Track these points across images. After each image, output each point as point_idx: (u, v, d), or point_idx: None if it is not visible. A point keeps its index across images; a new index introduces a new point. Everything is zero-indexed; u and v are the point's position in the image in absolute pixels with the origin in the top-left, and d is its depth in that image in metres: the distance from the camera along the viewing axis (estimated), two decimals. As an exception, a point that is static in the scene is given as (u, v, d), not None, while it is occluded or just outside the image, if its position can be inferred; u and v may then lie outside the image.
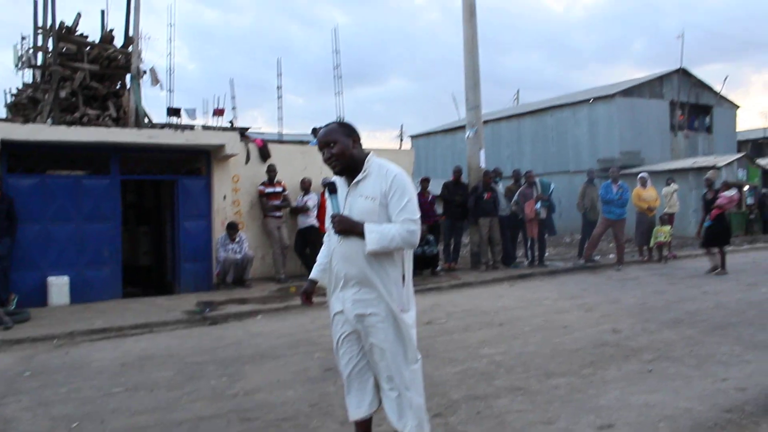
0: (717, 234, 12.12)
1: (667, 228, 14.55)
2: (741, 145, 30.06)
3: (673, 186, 16.31)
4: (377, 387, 3.48)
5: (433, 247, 12.60)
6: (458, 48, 13.73)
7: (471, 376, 5.37)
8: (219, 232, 11.58)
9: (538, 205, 13.39)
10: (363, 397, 3.50)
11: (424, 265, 12.66)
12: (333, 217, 3.36)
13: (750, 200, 23.06)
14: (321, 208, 12.39)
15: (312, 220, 12.24)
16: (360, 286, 3.35)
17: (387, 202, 3.30)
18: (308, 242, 12.33)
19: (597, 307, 8.75)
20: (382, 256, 3.29)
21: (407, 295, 3.42)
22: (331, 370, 5.73)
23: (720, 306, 8.48)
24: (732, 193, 12.31)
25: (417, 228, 3.29)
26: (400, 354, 3.35)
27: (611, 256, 15.01)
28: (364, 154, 3.43)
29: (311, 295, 3.81)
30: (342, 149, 3.36)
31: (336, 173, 3.47)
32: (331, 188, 3.46)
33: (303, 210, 12.22)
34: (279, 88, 26.94)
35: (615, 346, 6.30)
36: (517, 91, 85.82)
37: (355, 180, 3.38)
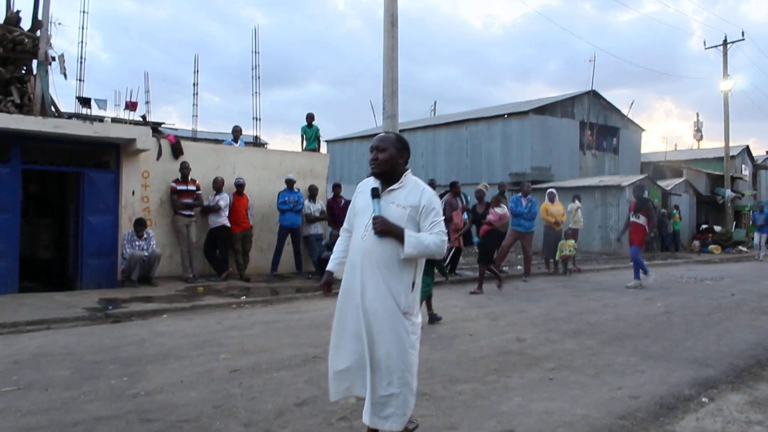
0: (485, 250, 11.78)
1: (572, 242, 15.08)
2: (644, 166, 31.51)
3: (577, 203, 16.91)
4: (352, 377, 3.69)
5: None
6: (378, 57, 13.82)
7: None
8: (126, 227, 11.23)
9: (465, 215, 13.62)
10: (347, 381, 3.72)
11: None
12: (375, 218, 3.59)
13: (649, 219, 24.19)
14: (233, 208, 12.23)
15: (223, 219, 12.06)
16: (375, 283, 3.58)
17: (418, 216, 3.63)
18: (218, 242, 12.13)
19: (503, 316, 8.97)
20: (400, 261, 3.58)
21: (414, 301, 3.66)
22: (236, 371, 5.65)
23: (619, 318, 8.85)
24: (503, 211, 12.07)
25: (446, 241, 3.64)
26: (397, 346, 3.54)
27: (519, 267, 15.43)
28: (404, 170, 3.78)
29: (331, 285, 4.02)
30: (389, 157, 3.72)
31: (374, 175, 3.79)
32: (375, 192, 3.69)
33: (214, 209, 12.02)
34: (195, 85, 26.22)
35: (519, 355, 6.48)
36: (434, 103, 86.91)
37: (390, 188, 3.71)
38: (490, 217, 11.62)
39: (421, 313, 4.07)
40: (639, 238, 12.82)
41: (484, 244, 11.82)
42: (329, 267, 4.01)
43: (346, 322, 3.71)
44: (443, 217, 3.72)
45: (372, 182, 3.79)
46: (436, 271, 8.52)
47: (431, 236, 3.57)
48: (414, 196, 3.66)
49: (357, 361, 3.63)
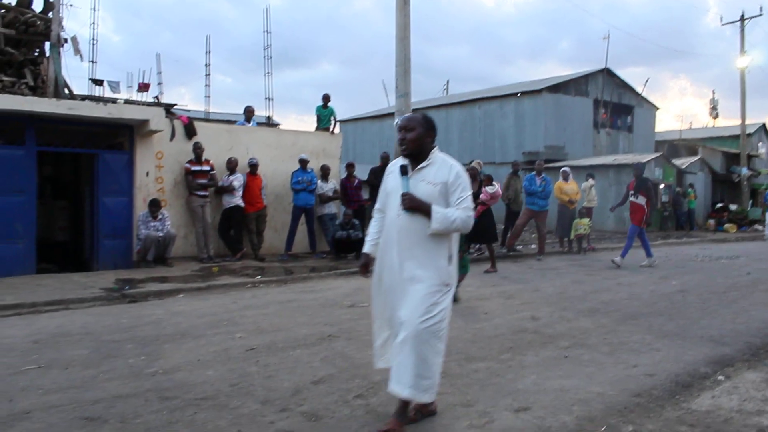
0: (480, 231, 10.73)
1: (587, 221, 15.03)
2: (658, 145, 31.26)
3: (591, 181, 16.83)
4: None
5: (359, 231, 12.64)
6: (389, 36, 13.75)
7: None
8: (141, 208, 11.30)
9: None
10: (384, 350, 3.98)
11: (349, 248, 12.69)
12: (404, 194, 3.73)
13: (665, 198, 24.07)
14: (246, 188, 12.26)
15: (237, 200, 12.10)
16: (413, 257, 3.73)
17: (447, 191, 3.75)
18: (232, 222, 12.19)
19: (517, 295, 8.97)
20: (434, 236, 3.71)
21: (451, 273, 3.81)
22: (253, 350, 5.69)
23: (633, 297, 8.83)
24: (494, 189, 11.72)
25: (473, 216, 3.77)
26: (431, 316, 3.65)
27: (533, 246, 15.41)
28: (431, 148, 3.88)
29: (369, 266, 4.10)
30: (417, 136, 3.82)
31: (404, 155, 3.88)
32: (403, 170, 3.81)
33: (228, 190, 12.05)
34: (207, 65, 26.28)
35: (533, 333, 6.48)
36: (447, 82, 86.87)
37: (419, 166, 3.82)
38: (482, 196, 11.15)
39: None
40: (638, 218, 12.61)
41: (481, 224, 10.88)
42: (366, 249, 4.11)
43: (386, 296, 3.87)
44: (470, 193, 3.81)
45: (401, 162, 3.89)
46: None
47: (458, 212, 3.69)
48: (443, 172, 3.78)
49: (394, 333, 3.81)
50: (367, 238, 4.13)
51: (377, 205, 4.11)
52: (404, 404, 3.79)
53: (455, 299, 8.37)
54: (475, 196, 10.76)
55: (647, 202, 12.51)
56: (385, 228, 3.93)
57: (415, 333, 3.61)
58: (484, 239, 11.54)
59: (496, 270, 11.42)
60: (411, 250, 3.73)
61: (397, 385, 3.67)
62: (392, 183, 3.90)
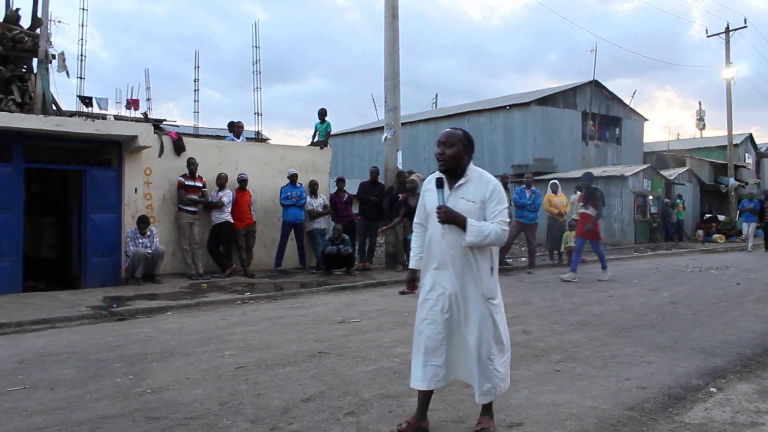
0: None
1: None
2: (646, 156, 31.44)
3: (578, 193, 16.83)
4: (448, 365, 3.93)
5: (348, 246, 12.60)
6: (378, 50, 13.80)
7: (383, 375, 5.37)
8: (129, 225, 11.23)
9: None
10: (436, 371, 3.91)
11: (339, 264, 12.65)
12: (440, 207, 3.79)
13: (653, 209, 24.15)
14: (235, 203, 12.21)
15: (226, 215, 12.05)
16: (456, 271, 3.84)
17: (485, 206, 3.83)
18: (221, 238, 12.12)
19: (508, 308, 8.82)
20: (476, 249, 3.81)
21: (494, 286, 3.91)
22: (242, 367, 5.64)
23: (625, 309, 8.82)
24: None
25: (507, 230, 3.82)
26: (487, 328, 3.83)
27: (523, 259, 15.40)
28: (468, 164, 3.93)
29: (416, 282, 4.24)
30: (456, 153, 3.88)
31: (441, 170, 3.94)
32: (439, 183, 3.88)
33: (217, 206, 12.00)
34: (196, 81, 26.32)
35: (525, 347, 6.45)
36: (436, 95, 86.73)
37: (457, 184, 3.89)
38: None
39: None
40: (595, 230, 12.25)
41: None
42: (412, 265, 4.22)
43: (437, 313, 3.91)
44: (506, 206, 3.86)
45: (437, 175, 3.96)
46: None
47: (492, 225, 3.75)
48: (481, 188, 3.86)
49: (453, 349, 3.91)
50: (412, 254, 4.22)
51: (417, 219, 4.19)
52: (488, 404, 3.97)
53: None
54: (413, 209, 10.42)
55: (597, 213, 12.16)
56: (430, 245, 3.98)
57: (481, 351, 3.82)
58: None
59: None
60: (455, 266, 3.83)
61: (480, 393, 3.85)
62: (430, 200, 3.96)
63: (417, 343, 3.99)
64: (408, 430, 3.91)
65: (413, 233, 4.24)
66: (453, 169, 3.89)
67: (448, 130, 4.02)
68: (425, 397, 4.01)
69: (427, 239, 4.01)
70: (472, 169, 3.92)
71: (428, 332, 3.92)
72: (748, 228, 20.84)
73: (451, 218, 3.76)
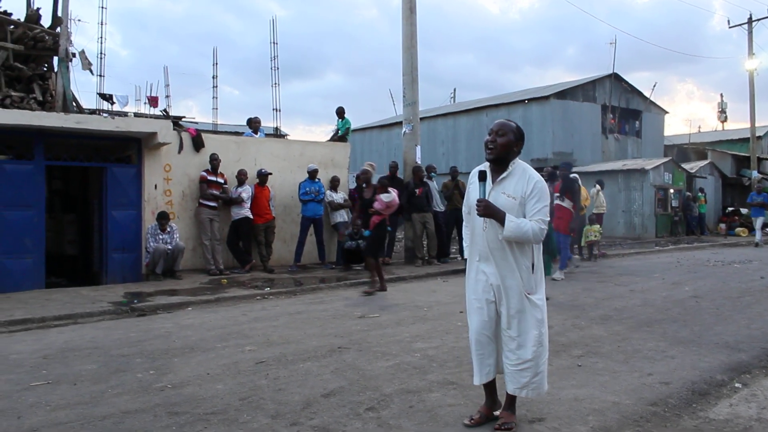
0: (369, 243, 10.17)
1: (597, 227, 14.93)
2: (667, 149, 31.11)
3: (597, 187, 16.68)
4: (499, 354, 4.00)
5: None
6: (395, 45, 13.84)
7: (404, 371, 5.36)
8: (149, 221, 11.29)
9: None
10: (488, 361, 4.00)
11: (358, 259, 12.64)
12: (479, 201, 3.83)
13: (675, 203, 23.90)
14: (255, 199, 12.25)
15: (246, 211, 12.09)
16: (499, 265, 3.87)
17: (525, 202, 3.81)
18: (241, 234, 12.16)
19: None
20: (517, 246, 3.83)
21: (535, 282, 3.93)
22: (262, 363, 5.64)
23: (646, 303, 8.74)
24: (390, 197, 9.96)
25: (546, 228, 3.81)
26: (526, 322, 3.85)
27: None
28: (515, 157, 3.94)
29: None
30: (508, 142, 3.88)
31: (488, 159, 3.95)
32: (481, 175, 3.90)
33: (237, 201, 12.04)
34: (214, 77, 26.43)
35: (545, 342, 6.40)
36: (454, 90, 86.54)
37: (500, 177, 3.89)
38: (375, 204, 9.93)
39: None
40: (564, 224, 11.35)
41: (373, 237, 10.10)
42: (466, 255, 4.24)
43: (483, 307, 3.95)
44: (546, 204, 3.83)
45: (481, 168, 3.99)
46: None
47: (530, 223, 3.75)
48: (522, 184, 3.84)
49: (495, 340, 3.98)
50: (465, 244, 4.26)
51: (464, 210, 4.22)
52: (512, 399, 4.02)
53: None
54: (369, 203, 10.18)
55: (573, 205, 11.53)
56: (474, 239, 4.03)
57: (521, 346, 3.86)
58: (368, 251, 10.22)
59: (382, 290, 10.00)
60: (496, 260, 3.87)
61: (513, 387, 3.91)
62: (474, 193, 3.98)
63: (470, 338, 4.08)
64: (481, 421, 4.00)
65: (464, 224, 4.26)
66: (501, 158, 3.89)
67: (501, 120, 4.04)
68: (488, 387, 4.10)
69: (471, 232, 4.07)
70: (518, 164, 3.92)
71: (475, 324, 3.99)
72: (757, 222, 19.95)
73: (490, 213, 3.79)
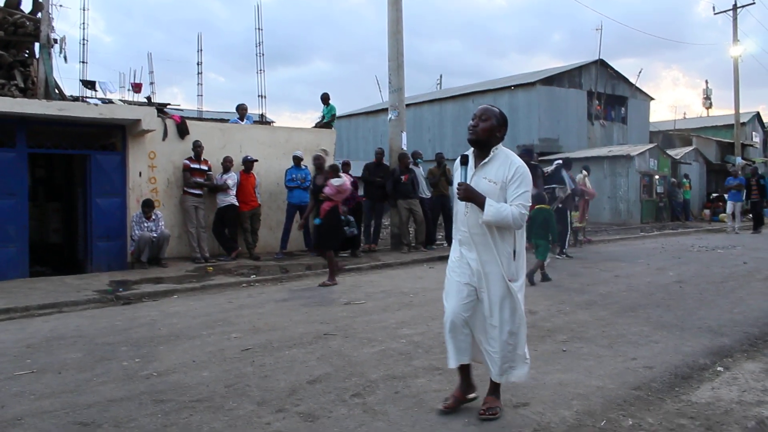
0: (321, 233, 9.57)
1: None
2: (653, 135, 31.25)
3: (584, 173, 16.70)
4: (471, 343, 4.01)
5: (354, 228, 12.59)
6: (382, 31, 13.85)
7: (389, 357, 5.38)
8: (134, 209, 11.23)
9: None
10: (463, 344, 3.99)
11: (344, 246, 12.64)
12: (460, 184, 3.83)
13: (660, 189, 24.04)
14: (240, 186, 12.20)
15: (231, 198, 12.04)
16: (480, 251, 3.86)
17: (506, 187, 3.79)
18: (226, 221, 12.12)
19: (513, 289, 8.90)
20: (499, 231, 3.82)
21: (516, 268, 3.93)
22: (248, 350, 5.64)
23: (631, 289, 8.80)
24: (341, 181, 9.50)
25: (527, 214, 3.81)
26: (507, 309, 3.86)
27: (528, 239, 15.35)
28: (497, 143, 3.91)
29: None
30: (489, 127, 3.86)
31: (470, 141, 3.92)
32: (463, 159, 3.91)
33: (222, 188, 11.98)
34: (199, 64, 26.15)
35: (531, 327, 6.39)
36: (440, 76, 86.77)
37: (482, 162, 3.87)
38: (326, 189, 9.41)
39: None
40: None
41: (324, 225, 9.48)
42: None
43: (462, 289, 3.93)
44: (527, 190, 3.81)
45: (464, 153, 3.99)
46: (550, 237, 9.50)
47: (511, 207, 3.72)
48: (504, 169, 3.82)
49: (471, 325, 3.96)
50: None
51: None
52: (495, 385, 4.03)
53: (532, 282, 9.02)
54: (319, 189, 9.71)
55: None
56: (456, 224, 4.04)
57: (501, 331, 3.88)
58: (321, 243, 9.67)
59: (336, 283, 9.52)
60: (477, 245, 3.86)
61: (496, 374, 3.93)
62: (456, 178, 3.98)
63: (445, 320, 4.04)
64: (454, 405, 4.01)
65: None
66: (482, 142, 3.87)
67: (485, 105, 4.05)
68: (462, 370, 4.10)
69: (455, 215, 4.08)
70: (500, 149, 3.90)
71: (453, 305, 3.97)
72: (733, 207, 19.34)
73: (470, 196, 3.78)
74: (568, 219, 12.72)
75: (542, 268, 9.45)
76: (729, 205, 19.71)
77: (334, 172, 9.76)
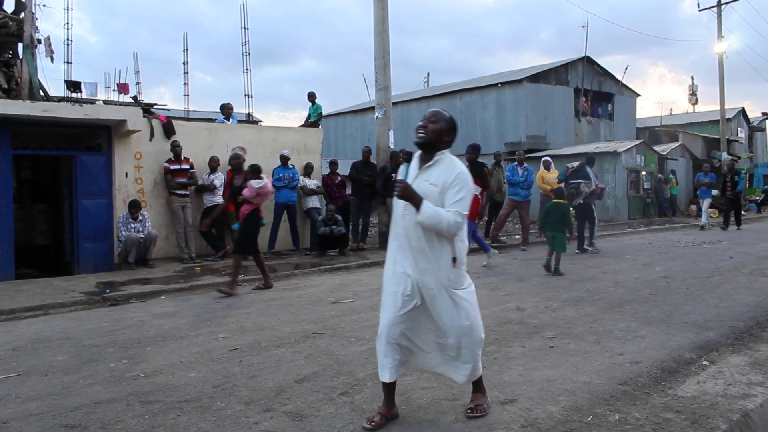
0: (240, 237, 8.98)
1: (570, 210, 14.99)
2: (639, 132, 31.39)
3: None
4: (408, 355, 3.88)
5: (341, 226, 12.58)
6: (369, 30, 13.67)
7: (377, 355, 5.37)
8: (121, 210, 11.17)
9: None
10: (399, 357, 3.83)
11: (332, 245, 12.64)
12: (398, 181, 3.71)
13: (647, 185, 24.15)
14: (227, 186, 12.15)
15: (218, 198, 11.99)
16: (417, 257, 3.72)
17: (446, 191, 3.65)
18: (213, 222, 12.06)
19: (502, 285, 8.96)
20: (437, 237, 3.67)
21: (457, 276, 3.77)
22: (236, 350, 5.63)
23: (618, 285, 8.85)
24: (261, 183, 8.87)
25: (463, 222, 3.64)
26: (456, 317, 3.74)
27: (516, 236, 15.41)
28: (445, 147, 3.81)
29: None
30: (438, 129, 3.77)
31: (417, 143, 3.82)
32: (407, 157, 3.88)
33: (209, 188, 11.94)
34: (185, 64, 26.11)
35: (519, 324, 6.46)
36: (428, 74, 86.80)
37: (426, 165, 3.77)
38: (245, 192, 8.82)
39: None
40: (473, 212, 10.23)
41: (244, 230, 8.94)
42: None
43: (398, 301, 3.78)
44: (464, 195, 3.67)
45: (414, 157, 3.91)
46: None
47: (447, 214, 3.59)
48: (446, 173, 3.70)
49: (409, 337, 3.83)
50: None
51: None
52: (477, 381, 4.00)
53: (560, 273, 9.58)
54: (238, 191, 9.19)
55: (482, 191, 10.92)
56: (394, 223, 3.89)
57: (444, 338, 3.80)
58: (239, 247, 9.01)
59: (267, 287, 9.13)
60: (414, 250, 3.73)
61: (461, 377, 3.88)
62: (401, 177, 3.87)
63: (380, 332, 3.87)
64: (381, 423, 3.79)
65: None
66: (429, 144, 3.77)
67: (436, 109, 3.92)
68: (389, 386, 3.89)
69: (393, 217, 3.91)
70: (446, 154, 3.80)
71: (389, 317, 3.80)
72: (704, 204, 19.07)
73: (407, 194, 3.65)
74: (594, 213, 13.08)
75: (557, 261, 9.83)
76: (700, 202, 19.47)
77: (254, 173, 9.01)
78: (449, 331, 3.76)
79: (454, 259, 3.73)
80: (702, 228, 18.49)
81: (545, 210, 10.74)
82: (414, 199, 3.63)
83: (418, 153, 3.89)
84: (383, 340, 3.82)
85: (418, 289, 3.73)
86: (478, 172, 10.54)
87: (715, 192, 20.03)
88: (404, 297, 3.75)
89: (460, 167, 3.74)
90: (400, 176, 3.82)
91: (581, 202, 12.57)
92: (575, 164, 13.39)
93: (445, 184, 3.67)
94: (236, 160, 9.60)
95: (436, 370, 3.96)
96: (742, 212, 23.19)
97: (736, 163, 28.55)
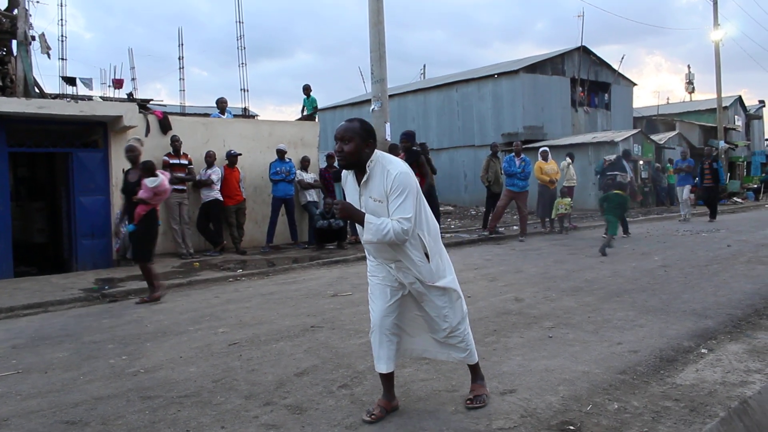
0: (134, 242, 8.09)
1: (567, 200, 15.05)
2: (636, 121, 31.37)
3: (568, 160, 16.74)
4: (400, 343, 3.92)
5: (340, 220, 12.58)
6: (365, 23, 13.64)
7: (372, 348, 5.38)
8: (118, 206, 11.11)
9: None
10: (393, 347, 3.86)
11: (330, 238, 12.64)
12: (336, 203, 3.66)
13: (644, 174, 24.16)
14: (225, 181, 12.15)
15: (215, 193, 11.99)
16: (395, 263, 3.74)
17: (389, 201, 3.56)
18: (211, 216, 12.08)
19: (501, 276, 8.97)
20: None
21: (436, 268, 3.77)
22: (235, 344, 5.64)
23: (616, 274, 8.86)
24: (156, 182, 7.80)
25: (409, 226, 3.54)
26: (442, 310, 3.79)
27: (515, 227, 15.42)
28: (368, 157, 3.62)
29: None
30: (354, 149, 3.58)
31: (340, 167, 3.74)
32: (336, 177, 3.65)
33: (206, 183, 11.94)
34: (180, 59, 25.97)
35: (518, 315, 6.48)
36: (424, 66, 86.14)
37: (363, 180, 3.64)
38: (141, 192, 7.82)
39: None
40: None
41: (138, 232, 8.00)
42: None
43: (386, 292, 3.81)
44: (405, 198, 3.54)
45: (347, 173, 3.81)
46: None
47: (391, 223, 3.50)
48: (383, 182, 3.57)
49: (400, 326, 3.89)
50: None
51: None
52: (476, 370, 4.06)
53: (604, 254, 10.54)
54: (132, 187, 8.03)
55: (421, 181, 10.11)
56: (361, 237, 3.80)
57: (441, 334, 3.86)
58: (136, 254, 8.16)
59: (159, 298, 8.05)
60: (389, 256, 3.73)
61: (457, 356, 3.96)
62: (351, 197, 3.80)
63: (372, 324, 3.87)
64: (381, 415, 3.80)
65: None
66: (354, 165, 3.64)
67: (343, 123, 3.69)
68: (387, 378, 3.90)
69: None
70: (376, 162, 3.62)
71: (379, 308, 3.82)
72: (683, 192, 17.99)
73: (348, 214, 3.62)
74: (627, 203, 13.30)
75: (609, 243, 11.20)
76: (678, 191, 18.52)
77: (148, 171, 7.88)
78: (438, 323, 3.83)
79: (427, 255, 3.72)
80: (682, 220, 17.81)
81: (605, 196, 12.26)
82: (356, 217, 3.59)
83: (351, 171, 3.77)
84: (377, 332, 3.83)
85: (400, 284, 3.78)
86: (413, 159, 10.28)
87: (697, 180, 18.92)
88: (392, 287, 3.80)
89: (395, 168, 3.58)
90: (344, 185, 3.81)
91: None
92: (612, 157, 13.78)
93: (386, 194, 3.56)
94: (131, 153, 8.12)
95: (425, 355, 4.06)
96: (739, 200, 23.20)
97: (728, 150, 28.47)
